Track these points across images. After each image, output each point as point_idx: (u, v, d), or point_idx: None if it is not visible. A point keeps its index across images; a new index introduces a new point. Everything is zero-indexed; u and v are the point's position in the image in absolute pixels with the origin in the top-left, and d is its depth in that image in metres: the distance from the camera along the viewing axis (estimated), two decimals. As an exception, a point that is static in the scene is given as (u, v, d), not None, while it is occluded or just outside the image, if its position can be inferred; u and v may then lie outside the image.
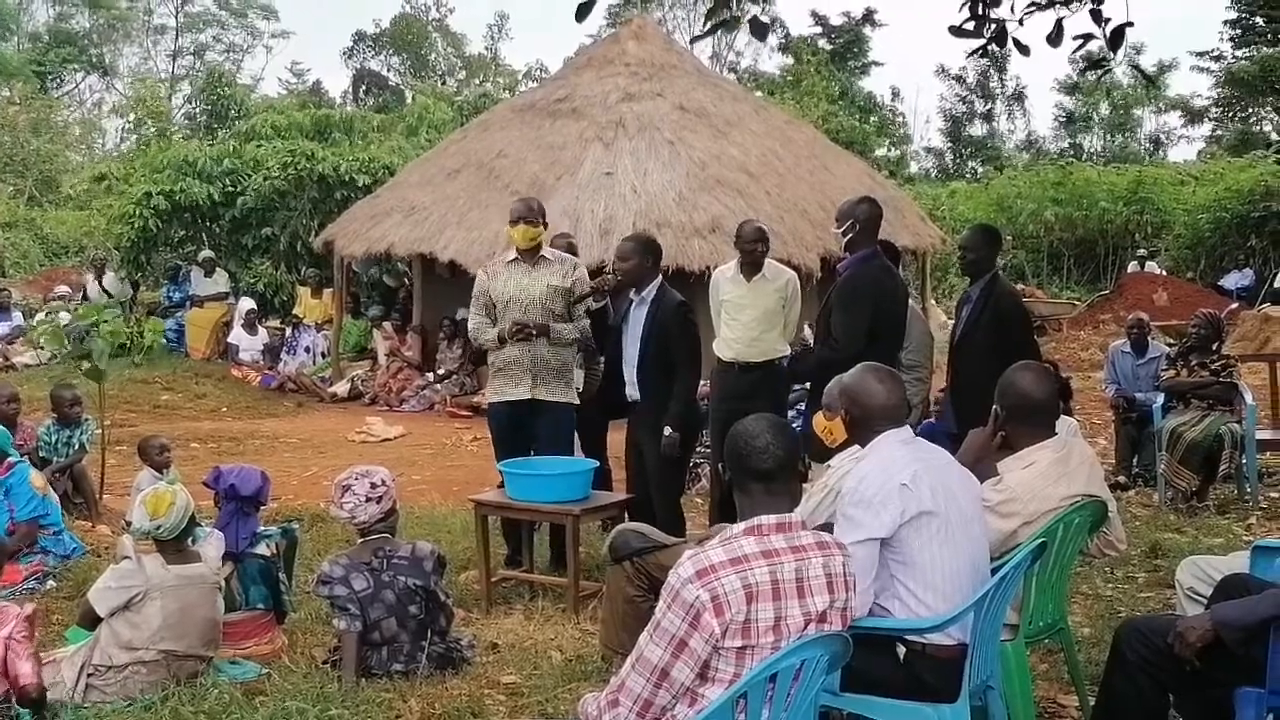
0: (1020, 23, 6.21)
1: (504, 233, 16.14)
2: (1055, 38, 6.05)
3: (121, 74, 56.62)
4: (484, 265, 9.03)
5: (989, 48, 6.42)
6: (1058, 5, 6.09)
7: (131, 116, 42.01)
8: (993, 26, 6.26)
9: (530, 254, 8.41)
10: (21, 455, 9.33)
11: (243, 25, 58.72)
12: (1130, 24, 5.97)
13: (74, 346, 11.07)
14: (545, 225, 8.57)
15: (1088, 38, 6.02)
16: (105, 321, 10.84)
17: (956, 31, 6.21)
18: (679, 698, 3.93)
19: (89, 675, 6.17)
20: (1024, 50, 6.36)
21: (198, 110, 38.15)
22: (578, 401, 8.61)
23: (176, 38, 57.74)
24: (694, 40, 27.61)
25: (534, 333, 8.17)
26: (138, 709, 5.98)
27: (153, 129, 33.62)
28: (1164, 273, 27.54)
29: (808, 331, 11.87)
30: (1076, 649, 5.94)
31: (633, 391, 8.37)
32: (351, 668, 6.29)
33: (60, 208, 35.68)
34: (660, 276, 8.39)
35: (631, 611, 6.17)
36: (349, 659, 6.33)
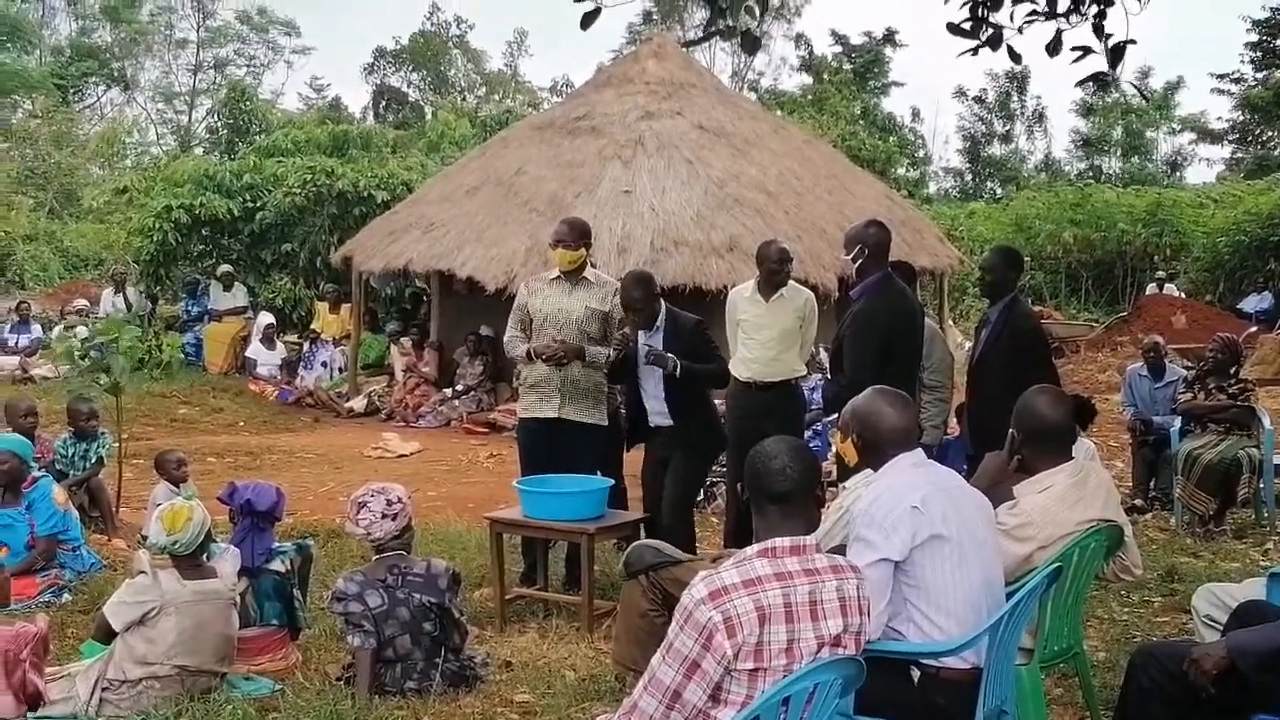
0: (1020, 31, 6.22)
1: (521, 249, 16.43)
2: (1053, 47, 6.05)
3: (143, 87, 56.90)
4: (526, 281, 9.04)
5: (991, 56, 6.42)
6: (1059, 17, 6.09)
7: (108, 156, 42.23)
8: (989, 30, 6.26)
9: (573, 274, 8.44)
10: (39, 468, 9.36)
11: (264, 40, 58.91)
12: (1132, 41, 5.96)
13: (92, 361, 11.06)
14: (589, 246, 8.60)
15: (1086, 51, 6.01)
16: (123, 337, 10.85)
17: (953, 29, 6.21)
18: (691, 719, 3.92)
19: (103, 689, 6.18)
20: (1016, 58, 6.38)
21: (219, 124, 38.26)
22: (606, 423, 8.61)
23: (198, 52, 57.92)
24: (686, 45, 27.44)
25: (565, 360, 8.20)
26: (151, 723, 6.00)
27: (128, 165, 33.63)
28: (1183, 295, 27.49)
29: (823, 354, 11.86)
30: (1091, 674, 5.93)
31: (661, 419, 8.36)
32: (365, 685, 6.29)
33: (81, 220, 35.81)
34: (664, 303, 8.41)
35: (645, 626, 6.16)
36: (363, 676, 6.34)
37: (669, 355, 8.07)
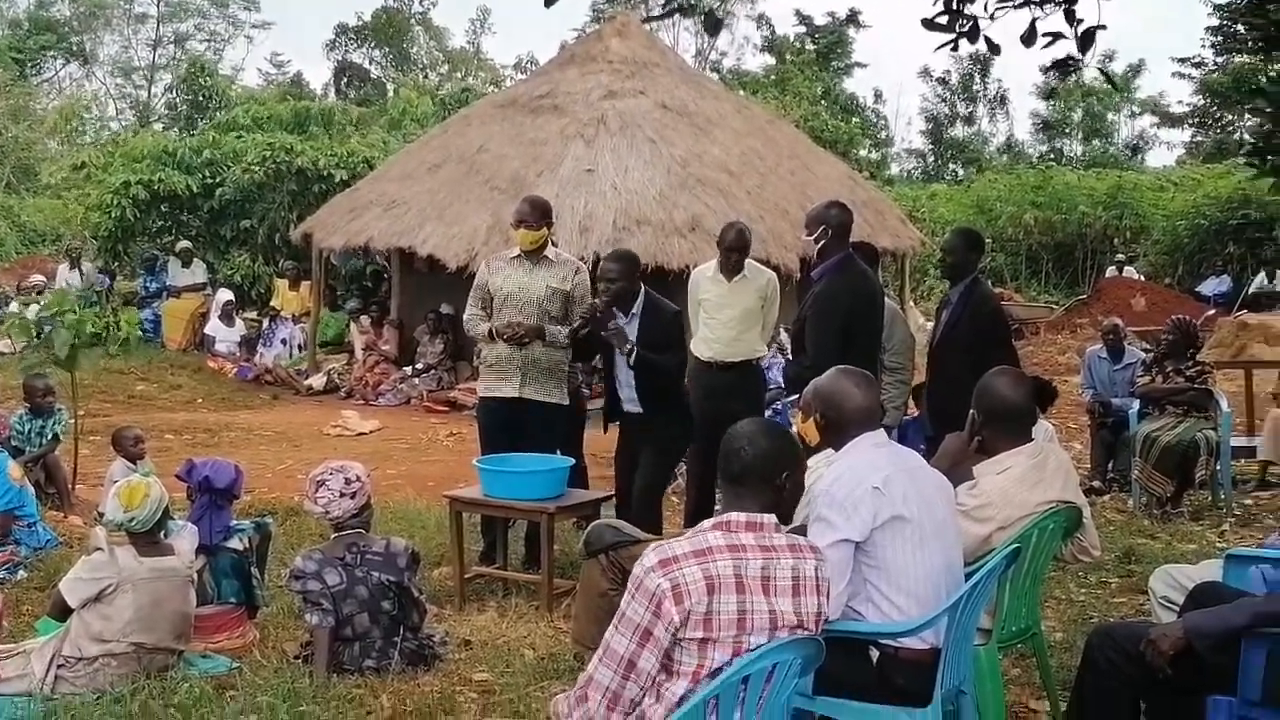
0: (991, 18, 6.21)
1: (483, 227, 16.38)
2: (1029, 38, 6.04)
3: (102, 62, 56.42)
4: (487, 259, 8.97)
5: (959, 43, 6.40)
6: (1032, 5, 6.08)
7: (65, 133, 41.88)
8: (965, 22, 6.25)
9: (534, 253, 8.40)
10: (-3, 446, 9.30)
11: (224, 15, 58.46)
12: (1103, 27, 5.96)
13: (44, 337, 10.98)
14: (550, 225, 8.56)
15: (1057, 36, 6.01)
16: (70, 311, 10.77)
17: (929, 25, 6.19)
18: (647, 690, 3.92)
19: (59, 667, 6.15)
20: (994, 49, 6.36)
21: (178, 100, 37.98)
22: (567, 402, 8.58)
23: (158, 27, 57.38)
24: (647, 20, 27.41)
25: (526, 339, 8.16)
26: (107, 701, 5.95)
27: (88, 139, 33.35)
28: (1142, 278, 27.61)
29: (784, 335, 11.87)
30: (1049, 654, 5.96)
31: (632, 406, 8.31)
32: (323, 663, 6.28)
33: (38, 196, 35.52)
34: (644, 288, 8.33)
35: (604, 605, 6.13)
36: (320, 654, 6.32)
37: (629, 339, 8.02)
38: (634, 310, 8.16)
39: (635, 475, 8.23)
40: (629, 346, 8.01)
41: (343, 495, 6.52)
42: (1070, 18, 5.99)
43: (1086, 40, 5.97)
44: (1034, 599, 5.64)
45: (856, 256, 8.38)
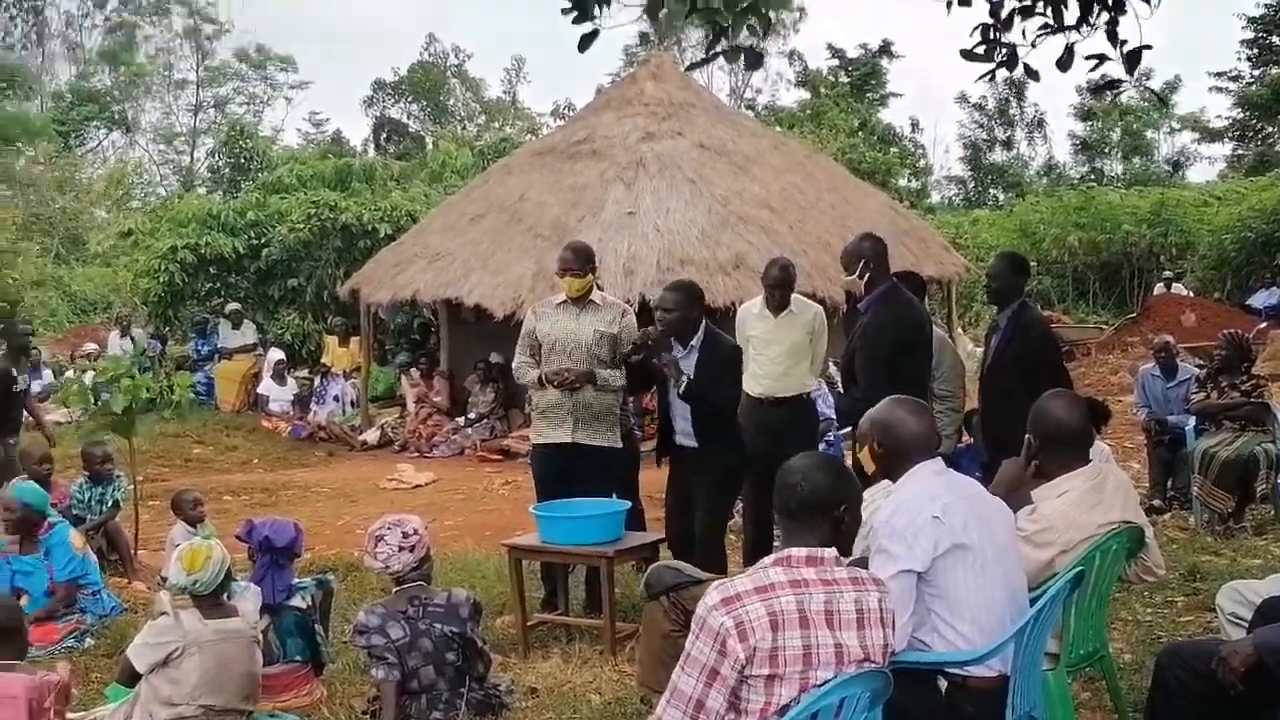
0: (1033, 45, 6.21)
1: (527, 274, 16.44)
2: (1065, 62, 6.03)
3: (144, 129, 56.99)
4: (534, 306, 8.99)
5: (999, 72, 6.41)
6: (1068, 30, 6.07)
7: (120, 193, 42.34)
8: (1003, 51, 6.26)
9: (580, 298, 8.41)
10: (57, 514, 9.37)
11: (262, 77, 58.97)
12: (1148, 47, 5.96)
13: (101, 404, 11.09)
14: (594, 270, 8.57)
15: (1102, 59, 6.00)
16: (125, 376, 10.87)
17: (967, 55, 6.21)
18: (714, 729, 3.92)
19: (130, 732, 6.18)
20: (1033, 75, 6.35)
21: (220, 163, 38.36)
22: (620, 445, 8.55)
23: (197, 92, 58.00)
24: (689, 68, 27.61)
25: (577, 384, 8.16)
26: (179, 765, 5.98)
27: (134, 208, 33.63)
28: (1191, 294, 27.42)
29: (832, 367, 11.86)
30: (1118, 676, 5.90)
31: (686, 440, 8.18)
32: (390, 717, 6.29)
33: (87, 264, 35.87)
34: (705, 322, 8.21)
35: (668, 647, 6.12)
36: (388, 709, 6.33)
37: (682, 371, 7.96)
38: (693, 343, 8.04)
39: (692, 513, 8.12)
40: (683, 379, 7.95)
41: (401, 549, 6.54)
42: (1113, 39, 5.99)
43: (1132, 61, 5.96)
44: (1100, 621, 5.60)
45: (901, 286, 8.37)
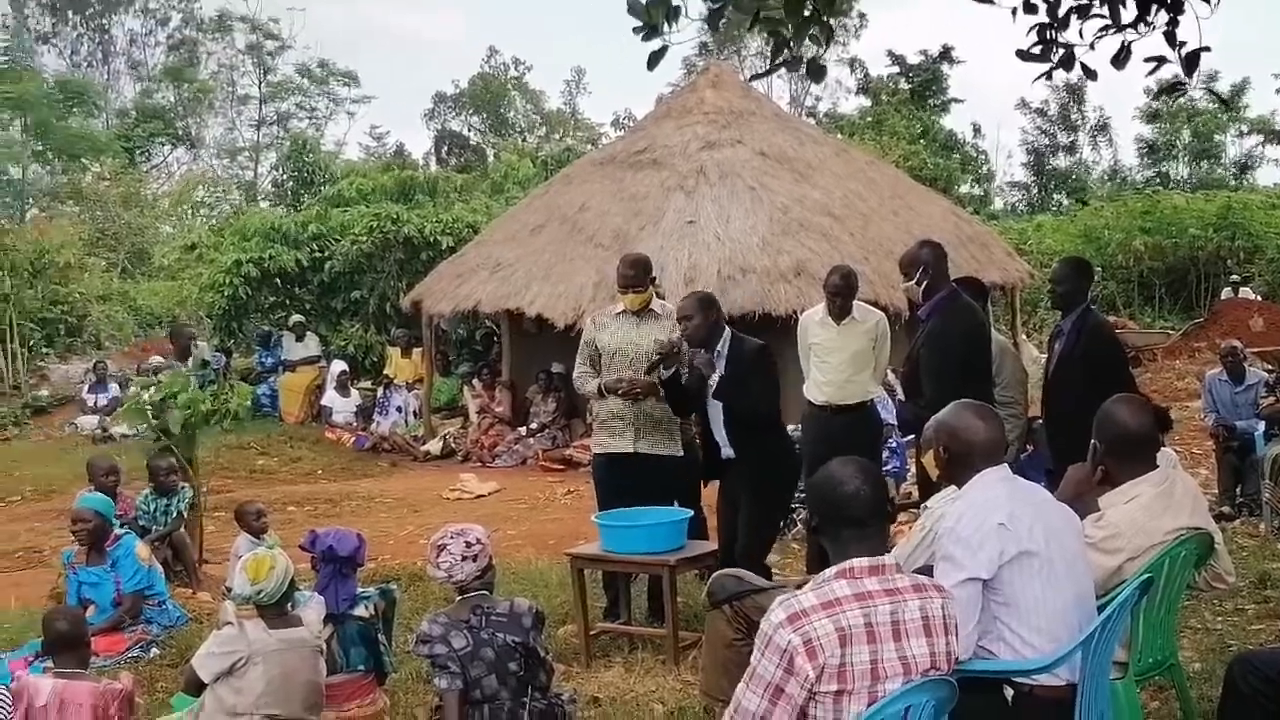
0: (1092, 46, 6.15)
1: (589, 284, 16.45)
2: (1121, 60, 5.96)
3: (207, 145, 57.55)
4: (593, 316, 8.99)
5: (1057, 75, 6.35)
6: (1126, 29, 6.01)
7: (197, 198, 42.79)
8: (1060, 51, 6.20)
9: (640, 309, 8.43)
10: (123, 526, 9.46)
11: (324, 92, 59.39)
12: (1207, 48, 5.89)
13: (160, 420, 11.16)
14: (654, 280, 8.57)
15: (1161, 61, 5.94)
16: (182, 391, 10.95)
17: (1024, 56, 6.16)
18: (781, 746, 3.89)
19: (195, 742, 6.21)
20: (1091, 75, 6.29)
21: (283, 177, 38.63)
22: (682, 453, 8.54)
23: (260, 107, 58.52)
24: (752, 79, 27.67)
25: (640, 395, 8.16)
26: (245, 775, 6.01)
27: (235, 198, 33.99)
28: (1259, 298, 27.13)
29: (892, 376, 11.78)
30: (1188, 685, 5.82)
31: (727, 450, 8.14)
32: (453, 727, 6.28)
33: (152, 279, 36.22)
34: (728, 329, 8.18)
35: (732, 656, 6.09)
36: (450, 718, 6.32)
37: (714, 363, 7.89)
38: (719, 349, 7.99)
39: (738, 531, 8.06)
40: (715, 375, 7.89)
41: (464, 558, 6.53)
42: (1171, 41, 5.92)
43: (1191, 62, 5.89)
44: (1170, 629, 5.52)
45: (961, 291, 8.32)
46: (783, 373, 8.41)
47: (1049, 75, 6.36)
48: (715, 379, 7.90)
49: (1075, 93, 50.04)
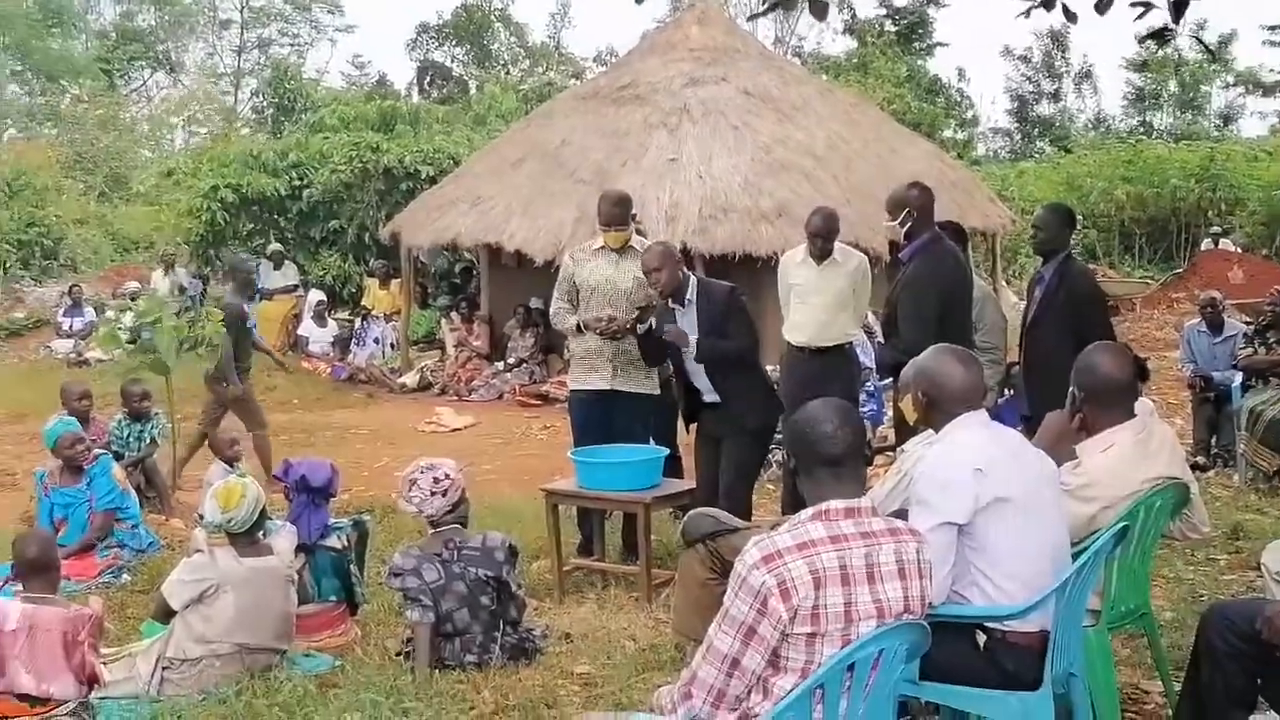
0: None
1: (569, 220, 16.37)
2: (1104, 4, 5.91)
3: (188, 69, 57.07)
4: (571, 251, 8.93)
5: (1039, 14, 6.30)
6: None
7: (185, 116, 42.49)
8: None
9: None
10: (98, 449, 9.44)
11: (307, 19, 58.90)
12: None
13: (139, 344, 11.11)
14: (635, 218, 8.53)
15: (1148, 6, 5.90)
16: (166, 317, 10.89)
17: None
18: (752, 687, 3.88)
19: (164, 669, 6.22)
20: (1071, 17, 6.25)
21: (264, 104, 38.39)
22: (659, 391, 8.53)
23: (241, 33, 57.96)
24: (751, 18, 27.61)
25: (620, 333, 8.12)
26: (212, 702, 6.03)
27: (216, 124, 33.82)
28: (1239, 250, 27.13)
29: (872, 318, 11.76)
30: (1160, 634, 5.83)
31: (711, 396, 8.07)
32: (424, 659, 6.29)
33: (130, 204, 36.01)
34: (694, 275, 8.17)
35: (705, 595, 6.08)
36: (421, 650, 6.33)
37: (687, 335, 7.86)
38: (688, 297, 7.94)
39: (721, 469, 8.02)
40: (691, 341, 7.86)
41: (434, 493, 6.52)
42: (1157, -13, 5.88)
43: (1179, 8, 5.85)
44: (1143, 579, 5.52)
45: (944, 236, 8.28)
46: (763, 314, 8.39)
47: (1027, 14, 6.31)
48: (693, 342, 7.84)
49: (1058, 40, 49.91)
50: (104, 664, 5.88)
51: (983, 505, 4.52)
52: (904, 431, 5.89)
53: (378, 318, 20.72)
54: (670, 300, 7.94)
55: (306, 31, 59.31)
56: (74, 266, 29.45)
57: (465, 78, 53.53)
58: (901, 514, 4.63)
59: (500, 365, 17.99)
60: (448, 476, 6.57)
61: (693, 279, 8.07)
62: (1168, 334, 19.74)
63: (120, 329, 12.21)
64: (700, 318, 7.92)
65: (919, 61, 47.26)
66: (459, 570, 6.43)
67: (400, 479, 6.71)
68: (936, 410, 4.85)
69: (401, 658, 6.50)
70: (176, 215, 25.30)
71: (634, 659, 6.44)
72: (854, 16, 50.26)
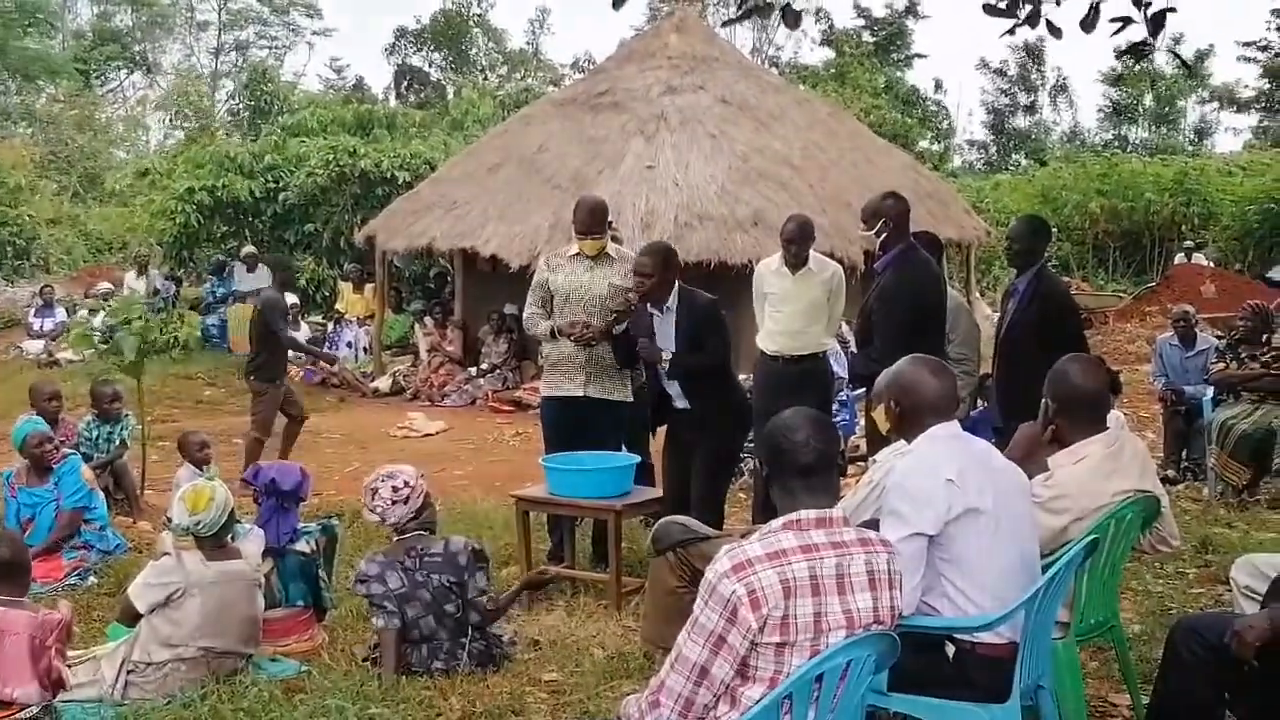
0: (1058, 3, 6.11)
1: (544, 226, 16.35)
2: (1089, 23, 5.93)
3: (165, 71, 56.91)
4: (546, 256, 8.90)
5: (1017, 31, 6.31)
6: None
7: (172, 111, 42.35)
8: (1027, 8, 6.17)
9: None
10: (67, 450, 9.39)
11: (284, 22, 58.87)
12: (1173, 9, 5.87)
13: (110, 344, 11.07)
14: (611, 225, 8.52)
15: (1126, 21, 5.91)
16: (136, 318, 10.85)
17: (990, 10, 6.12)
18: (720, 696, 3.86)
19: (129, 672, 6.17)
20: (1056, 33, 6.26)
21: (240, 106, 38.28)
22: (631, 399, 8.49)
23: (219, 34, 57.95)
24: (725, 24, 27.58)
25: (594, 340, 8.10)
26: (177, 706, 5.99)
27: (193, 124, 33.73)
28: (1211, 265, 27.25)
29: (845, 328, 11.76)
30: (1128, 647, 5.83)
31: (681, 402, 8.07)
32: (390, 665, 6.26)
33: (104, 204, 35.88)
34: (678, 282, 8.08)
35: (674, 604, 6.08)
36: (388, 656, 6.30)
37: (660, 353, 7.86)
38: (669, 304, 7.93)
39: (693, 477, 7.99)
40: (664, 359, 7.86)
41: (395, 501, 6.50)
42: (1137, 2, 5.89)
43: (1157, 23, 5.87)
44: (1112, 591, 5.53)
45: (919, 246, 8.28)
46: (737, 322, 8.37)
47: (1013, 31, 6.32)
48: (667, 357, 7.84)
49: (1034, 54, 50.16)
50: (68, 666, 5.83)
51: (954, 516, 4.51)
52: (876, 441, 5.88)
53: (351, 322, 20.67)
54: (650, 305, 7.93)
55: (284, 34, 59.30)
56: (46, 267, 29.34)
57: (443, 83, 53.51)
58: (873, 524, 4.61)
59: (474, 371, 17.94)
60: (407, 484, 6.54)
61: (677, 286, 8.04)
62: (1140, 347, 19.80)
63: (91, 330, 12.15)
64: (679, 326, 7.92)
65: (897, 72, 47.44)
66: (421, 579, 6.40)
67: (363, 488, 6.68)
68: (909, 420, 4.85)
69: (369, 663, 6.48)
70: (150, 216, 25.19)
71: (602, 667, 6.42)
72: (831, 27, 50.43)
